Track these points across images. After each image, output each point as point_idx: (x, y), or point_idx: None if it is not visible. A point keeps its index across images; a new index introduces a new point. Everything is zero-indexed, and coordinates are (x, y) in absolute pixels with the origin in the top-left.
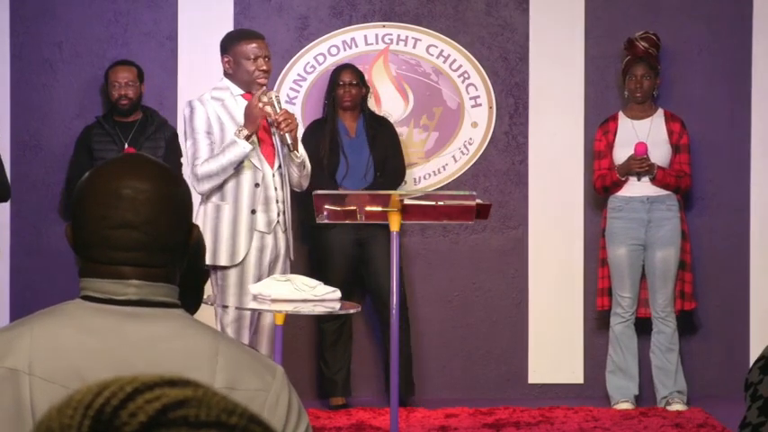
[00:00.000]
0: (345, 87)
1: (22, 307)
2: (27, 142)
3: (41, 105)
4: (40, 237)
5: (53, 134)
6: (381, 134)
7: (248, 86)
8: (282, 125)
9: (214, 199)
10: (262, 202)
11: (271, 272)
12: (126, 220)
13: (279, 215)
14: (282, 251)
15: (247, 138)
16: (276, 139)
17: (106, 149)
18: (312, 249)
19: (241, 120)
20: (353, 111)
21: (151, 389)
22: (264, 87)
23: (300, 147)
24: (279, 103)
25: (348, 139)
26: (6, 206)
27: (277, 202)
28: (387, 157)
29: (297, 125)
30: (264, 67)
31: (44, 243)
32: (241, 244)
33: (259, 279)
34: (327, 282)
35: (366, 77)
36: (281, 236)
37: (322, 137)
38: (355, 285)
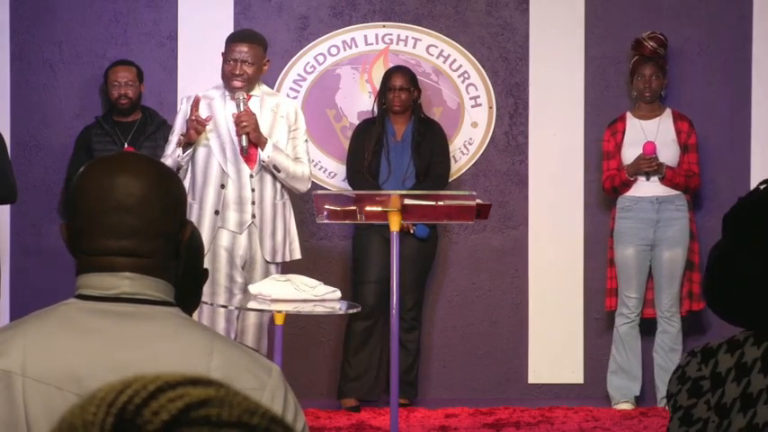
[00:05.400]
0: (395, 92)
1: (23, 307)
2: (27, 142)
3: (41, 105)
4: (40, 237)
5: (53, 134)
6: (428, 140)
7: (226, 87)
8: (236, 128)
9: (189, 199)
10: (234, 202)
11: (248, 273)
12: (119, 203)
13: (253, 216)
14: (258, 253)
15: (187, 145)
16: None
17: (106, 149)
18: (352, 249)
19: (221, 121)
20: (404, 114)
21: (174, 388)
22: (241, 91)
23: (269, 149)
24: (245, 104)
25: (394, 143)
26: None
27: (253, 203)
28: (431, 163)
29: (252, 128)
30: (237, 71)
31: (44, 243)
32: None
33: (231, 278)
34: (363, 282)
35: (366, 77)
36: (256, 237)
37: (368, 138)
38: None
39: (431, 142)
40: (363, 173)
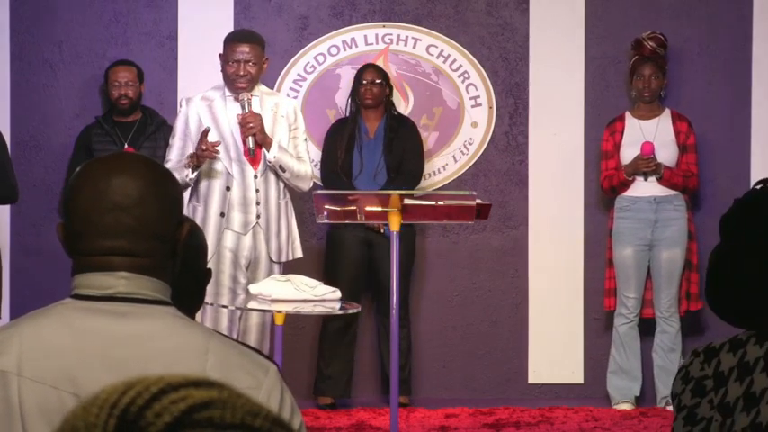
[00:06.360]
0: (367, 86)
1: (22, 307)
2: (27, 142)
3: (41, 105)
4: (40, 237)
5: (53, 134)
6: (401, 137)
7: (230, 88)
8: (242, 129)
9: (192, 201)
10: (239, 203)
11: (252, 274)
12: (115, 203)
13: (258, 217)
14: (263, 253)
15: (197, 167)
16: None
17: (106, 149)
18: (324, 248)
19: (223, 122)
20: (376, 110)
21: (176, 389)
22: (245, 92)
23: (275, 150)
24: (249, 105)
25: (366, 140)
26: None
27: (257, 203)
28: (403, 159)
29: (258, 129)
30: (241, 72)
31: (44, 243)
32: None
33: (235, 279)
34: (336, 281)
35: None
36: (260, 238)
37: (340, 138)
38: (363, 285)
39: (403, 140)
40: (337, 172)
